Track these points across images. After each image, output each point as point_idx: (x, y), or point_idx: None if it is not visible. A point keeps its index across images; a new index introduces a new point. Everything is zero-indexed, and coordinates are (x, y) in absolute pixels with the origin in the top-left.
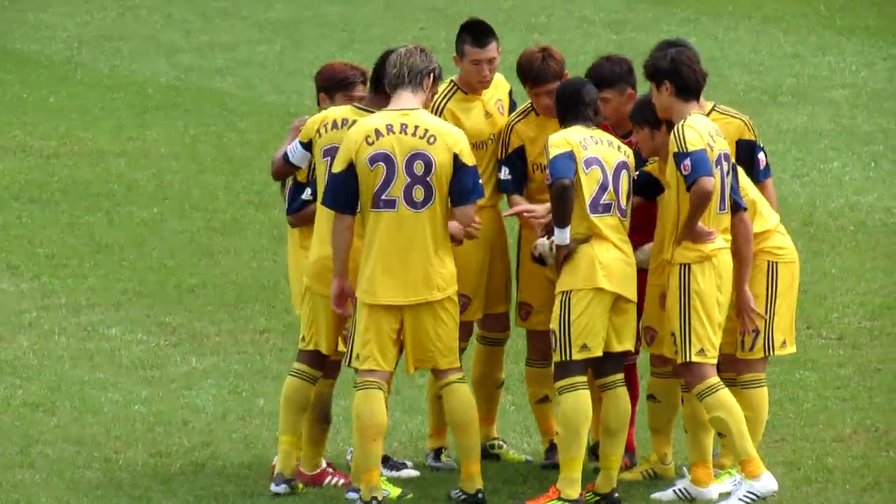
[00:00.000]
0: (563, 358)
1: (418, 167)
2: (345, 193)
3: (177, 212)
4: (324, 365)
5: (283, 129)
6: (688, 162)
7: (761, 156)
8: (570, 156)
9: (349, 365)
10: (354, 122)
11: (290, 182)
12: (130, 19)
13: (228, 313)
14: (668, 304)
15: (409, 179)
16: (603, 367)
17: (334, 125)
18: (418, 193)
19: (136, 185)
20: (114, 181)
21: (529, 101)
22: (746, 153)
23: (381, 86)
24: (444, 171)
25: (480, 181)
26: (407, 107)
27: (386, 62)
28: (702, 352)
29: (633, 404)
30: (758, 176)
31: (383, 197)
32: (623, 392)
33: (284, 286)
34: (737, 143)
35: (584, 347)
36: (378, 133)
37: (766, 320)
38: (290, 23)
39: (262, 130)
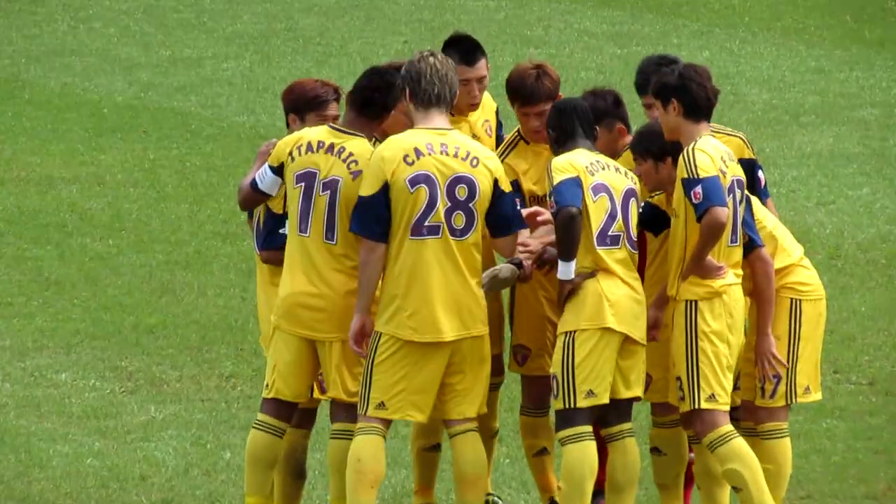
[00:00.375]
0: (567, 406)
1: (461, 192)
2: (378, 218)
3: (134, 244)
4: (290, 415)
5: (252, 152)
6: (699, 189)
7: (761, 174)
8: (576, 182)
9: (365, 413)
10: (332, 145)
11: (261, 212)
12: (83, 32)
13: (191, 357)
14: (672, 345)
15: (449, 204)
16: (608, 415)
17: (309, 148)
18: (458, 220)
19: (90, 214)
20: (65, 210)
21: (516, 129)
22: (747, 172)
23: (369, 107)
24: (485, 198)
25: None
26: (442, 127)
27: (419, 76)
28: (712, 398)
29: (602, 461)
30: (760, 197)
31: (427, 223)
32: (632, 443)
33: (254, 327)
34: (738, 161)
35: (590, 394)
36: (418, 152)
37: (789, 366)
38: (260, 36)
39: (230, 154)
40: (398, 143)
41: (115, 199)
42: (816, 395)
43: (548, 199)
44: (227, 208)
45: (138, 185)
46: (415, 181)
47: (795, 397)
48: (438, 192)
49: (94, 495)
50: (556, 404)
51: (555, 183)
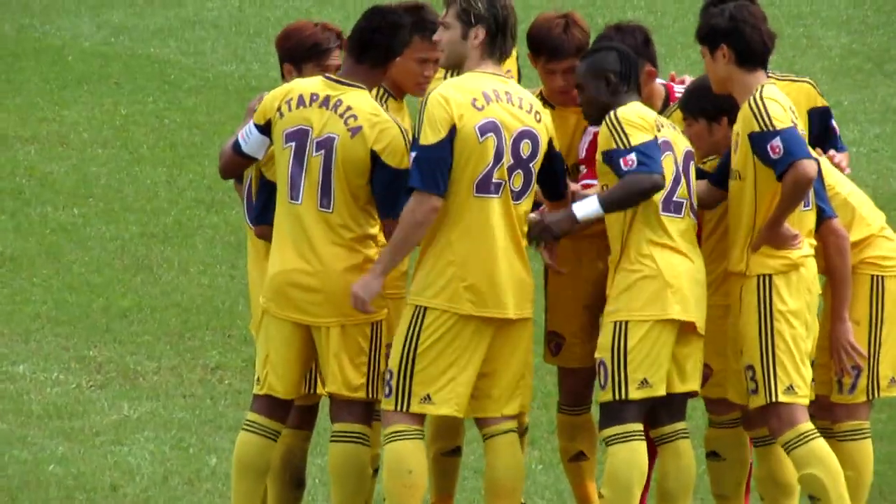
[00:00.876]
0: (617, 397)
1: (525, 148)
2: (441, 169)
3: (104, 214)
4: (285, 414)
5: (241, 107)
6: (777, 142)
7: (834, 124)
8: (656, 144)
9: (405, 409)
10: (328, 98)
11: (253, 178)
12: None
13: (171, 345)
14: (742, 329)
15: (512, 161)
16: (660, 412)
17: (301, 102)
18: (517, 180)
19: (51, 179)
20: (22, 175)
21: (538, 90)
22: (820, 123)
23: (368, 52)
24: (541, 158)
25: None
26: (499, 73)
27: (505, 23)
28: (790, 389)
29: (650, 463)
30: (836, 147)
31: (494, 178)
32: (686, 445)
33: (244, 310)
34: (808, 112)
35: (645, 383)
36: (486, 97)
37: (870, 354)
38: None
39: (215, 110)
40: (461, 85)
41: (81, 162)
42: None
43: (601, 162)
44: (212, 172)
45: (108, 145)
46: (484, 129)
47: (878, 391)
48: (504, 145)
49: None
50: (603, 395)
51: (634, 143)
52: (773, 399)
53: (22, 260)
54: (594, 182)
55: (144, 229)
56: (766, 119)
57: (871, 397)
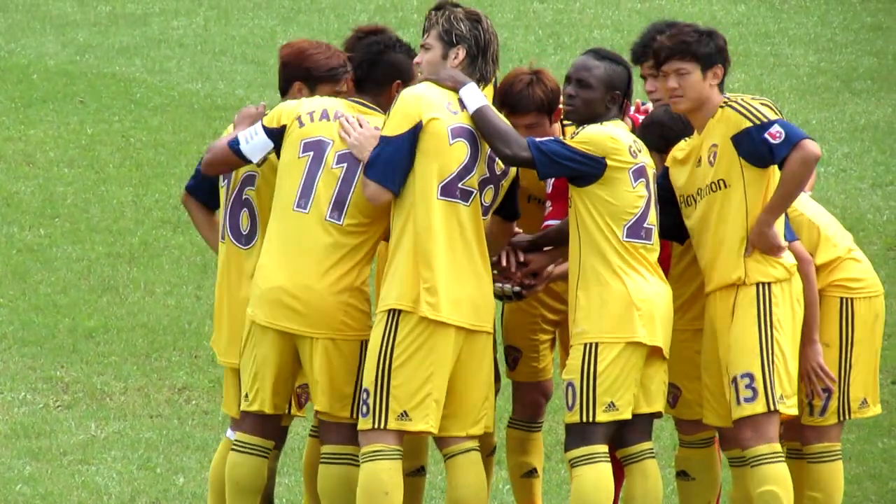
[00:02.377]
0: (584, 419)
1: (499, 166)
2: (395, 165)
3: (70, 234)
4: (274, 430)
5: (207, 126)
6: (777, 128)
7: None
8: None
9: (382, 427)
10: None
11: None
12: None
13: (138, 365)
14: (736, 338)
15: (487, 174)
16: (627, 433)
17: (324, 115)
18: (488, 195)
19: (17, 199)
20: None
21: None
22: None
23: (371, 82)
24: (509, 179)
25: None
26: None
27: (486, 48)
28: (783, 399)
29: (617, 484)
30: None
31: (461, 185)
32: (653, 465)
33: (211, 330)
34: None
35: (611, 407)
36: (463, 104)
37: (840, 377)
38: None
39: (181, 128)
40: (438, 89)
41: (47, 182)
42: (875, 409)
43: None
44: (178, 192)
45: (74, 164)
46: (456, 133)
47: (849, 413)
48: (480, 155)
49: None
50: (570, 417)
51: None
52: (773, 407)
53: None
54: (559, 223)
55: (111, 249)
56: (759, 113)
57: (842, 419)
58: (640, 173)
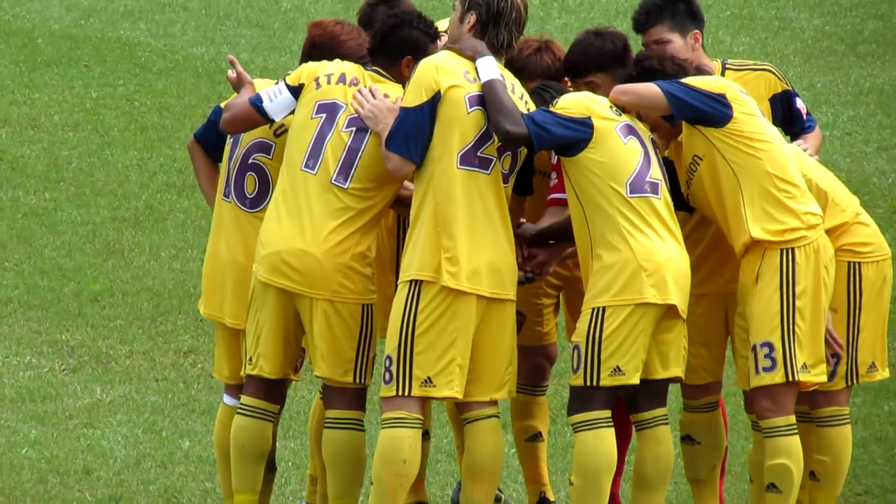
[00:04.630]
0: (588, 382)
1: None
2: (416, 135)
3: (75, 198)
4: (279, 393)
5: (211, 90)
6: (800, 102)
7: (800, 103)
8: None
9: (406, 393)
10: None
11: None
12: None
13: (143, 329)
14: (759, 304)
15: (498, 138)
16: (640, 398)
17: (341, 79)
18: (506, 162)
19: (22, 163)
20: None
21: None
22: (784, 108)
23: (383, 54)
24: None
25: None
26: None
27: (498, 16)
28: (806, 368)
29: (623, 447)
30: (803, 128)
31: (480, 153)
32: (665, 432)
33: None
34: (770, 100)
35: (617, 371)
36: (477, 73)
37: (849, 341)
38: None
39: (185, 92)
40: (456, 58)
41: (52, 146)
42: (883, 373)
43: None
44: (183, 156)
45: (79, 128)
46: (474, 101)
47: (857, 377)
48: None
49: (30, 491)
50: (575, 380)
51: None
52: (791, 378)
53: None
54: (566, 196)
55: (116, 213)
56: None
57: (850, 383)
58: (628, 129)
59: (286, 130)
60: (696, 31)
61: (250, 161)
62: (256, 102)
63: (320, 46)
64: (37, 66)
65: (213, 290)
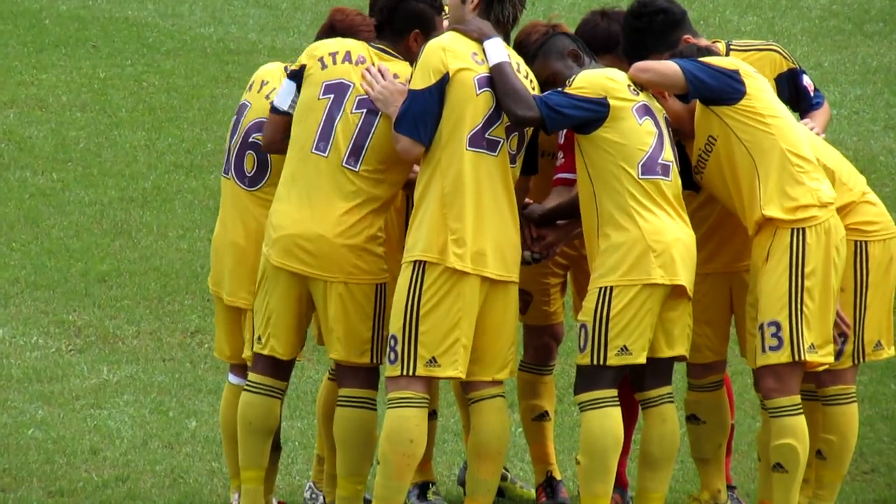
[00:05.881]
0: (595, 361)
1: None
2: (424, 118)
3: (82, 178)
4: (287, 372)
5: (219, 70)
6: (807, 80)
7: (806, 80)
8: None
9: (411, 373)
10: (374, 64)
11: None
12: None
13: (150, 309)
14: (768, 283)
15: (510, 122)
16: (645, 377)
17: (347, 57)
18: (514, 143)
19: (30, 143)
20: (0, 139)
21: None
22: (791, 86)
23: (390, 29)
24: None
25: None
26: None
27: None
28: (813, 348)
29: (630, 426)
30: (811, 105)
31: (488, 135)
32: (671, 410)
33: None
34: (776, 80)
35: (624, 350)
36: (485, 55)
37: (855, 320)
38: None
39: (193, 72)
40: (463, 39)
41: (60, 126)
42: (889, 352)
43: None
44: (191, 136)
45: (86, 108)
46: (483, 83)
47: (864, 356)
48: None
49: (36, 471)
50: (582, 359)
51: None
52: (798, 357)
53: (1, 225)
54: (571, 176)
55: (123, 193)
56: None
57: (856, 362)
58: (644, 110)
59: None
60: (685, 36)
61: (250, 140)
62: (272, 109)
63: (339, 32)
64: (44, 47)
65: (215, 265)
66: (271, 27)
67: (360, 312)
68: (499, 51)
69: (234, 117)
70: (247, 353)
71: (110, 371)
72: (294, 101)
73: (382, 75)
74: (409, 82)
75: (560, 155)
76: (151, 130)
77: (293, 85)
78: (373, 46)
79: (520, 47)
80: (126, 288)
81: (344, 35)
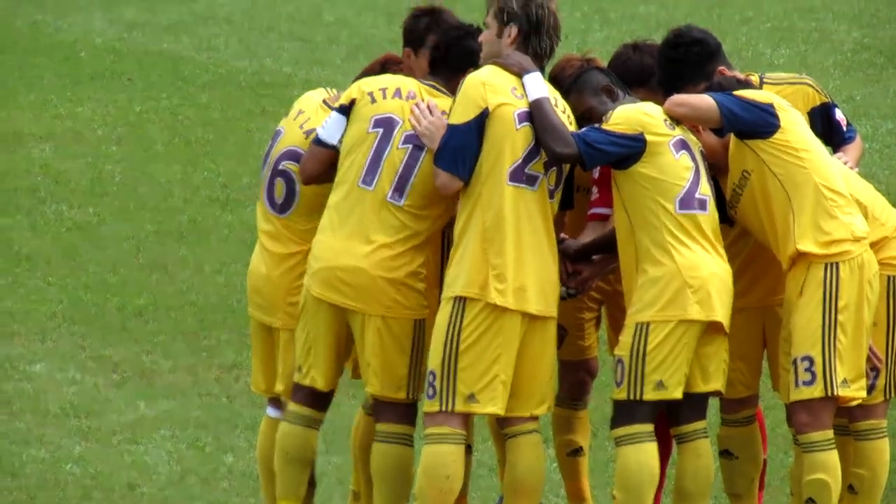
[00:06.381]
0: (631, 396)
1: None
2: (463, 153)
3: (119, 213)
4: (327, 403)
5: (255, 103)
6: (840, 113)
7: (839, 114)
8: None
9: (450, 409)
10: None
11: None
12: None
13: (187, 344)
14: (801, 318)
15: (547, 157)
16: (681, 411)
17: (397, 93)
18: (552, 178)
19: (66, 177)
20: (37, 173)
21: None
22: (823, 120)
23: (446, 66)
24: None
25: None
26: None
27: (538, 24)
28: (846, 383)
29: (664, 460)
30: (844, 139)
31: (527, 169)
32: (706, 445)
33: None
34: (808, 114)
35: (661, 385)
36: (524, 90)
37: (888, 355)
38: None
39: (229, 106)
40: (503, 73)
41: (96, 160)
42: None
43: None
44: (227, 170)
45: (122, 142)
46: (523, 118)
47: (895, 391)
48: None
49: None
50: (618, 393)
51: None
52: (831, 392)
53: (38, 259)
54: (606, 211)
55: (159, 227)
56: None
57: (888, 397)
58: (681, 144)
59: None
60: (720, 68)
61: (280, 167)
62: (315, 139)
63: (388, 71)
64: (80, 80)
65: (250, 288)
66: (306, 60)
67: (397, 347)
68: (538, 86)
69: (270, 142)
70: (279, 388)
71: (147, 406)
72: (342, 136)
73: (431, 111)
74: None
75: (594, 190)
76: (187, 164)
77: (343, 119)
78: (424, 83)
79: (554, 81)
80: (163, 322)
81: (395, 73)
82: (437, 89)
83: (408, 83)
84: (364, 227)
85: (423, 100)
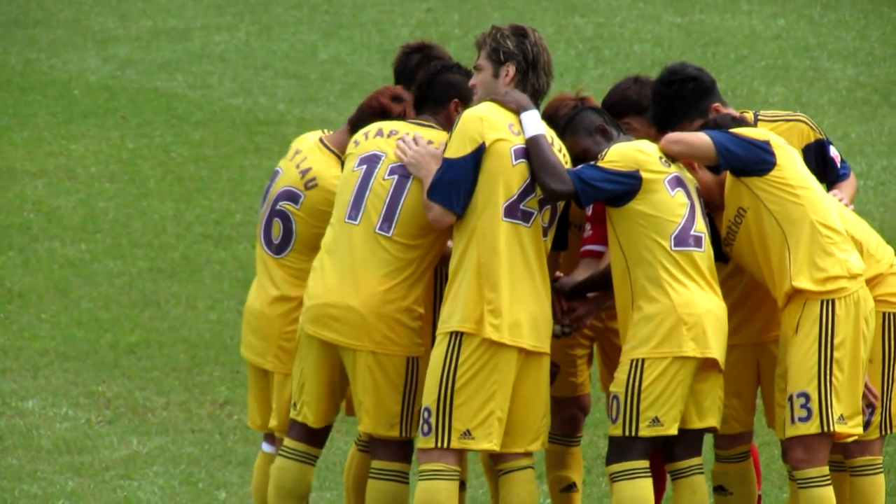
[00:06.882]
0: (627, 433)
1: None
2: (458, 187)
3: (111, 249)
4: (324, 439)
5: (248, 140)
6: (834, 150)
7: (833, 151)
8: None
9: (445, 446)
10: (406, 133)
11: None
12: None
13: (179, 380)
14: (797, 354)
15: (543, 194)
16: (676, 447)
17: (379, 133)
18: (546, 216)
19: (59, 214)
20: (29, 210)
21: None
22: (818, 157)
23: (430, 101)
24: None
25: None
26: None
27: (535, 63)
28: (842, 419)
29: (659, 496)
30: (838, 176)
31: (522, 206)
32: (701, 481)
33: None
34: (803, 150)
35: (656, 422)
36: (521, 127)
37: (883, 391)
38: (258, 3)
39: (222, 143)
40: (500, 110)
41: (89, 197)
42: None
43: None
44: (220, 206)
45: (115, 179)
46: (519, 154)
47: (892, 427)
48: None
49: None
50: (613, 430)
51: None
52: (827, 429)
53: (30, 296)
54: (599, 248)
55: (152, 264)
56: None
57: (884, 433)
58: (676, 182)
59: (316, 184)
60: (714, 104)
61: (278, 207)
62: None
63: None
64: (73, 117)
65: (245, 329)
66: (300, 98)
67: (388, 385)
68: (536, 123)
69: (268, 182)
70: (273, 423)
71: (140, 442)
72: None
73: (416, 142)
74: (444, 150)
75: (587, 226)
76: (180, 201)
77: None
78: (410, 122)
79: (549, 121)
80: (155, 359)
81: (372, 114)
82: (423, 124)
83: (389, 123)
84: (353, 262)
85: (407, 133)
